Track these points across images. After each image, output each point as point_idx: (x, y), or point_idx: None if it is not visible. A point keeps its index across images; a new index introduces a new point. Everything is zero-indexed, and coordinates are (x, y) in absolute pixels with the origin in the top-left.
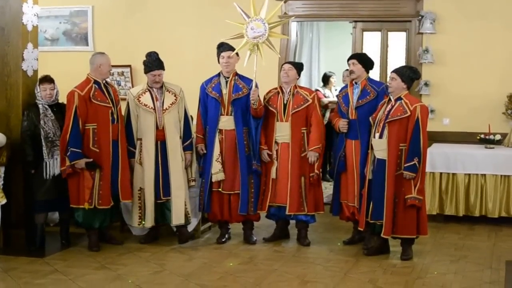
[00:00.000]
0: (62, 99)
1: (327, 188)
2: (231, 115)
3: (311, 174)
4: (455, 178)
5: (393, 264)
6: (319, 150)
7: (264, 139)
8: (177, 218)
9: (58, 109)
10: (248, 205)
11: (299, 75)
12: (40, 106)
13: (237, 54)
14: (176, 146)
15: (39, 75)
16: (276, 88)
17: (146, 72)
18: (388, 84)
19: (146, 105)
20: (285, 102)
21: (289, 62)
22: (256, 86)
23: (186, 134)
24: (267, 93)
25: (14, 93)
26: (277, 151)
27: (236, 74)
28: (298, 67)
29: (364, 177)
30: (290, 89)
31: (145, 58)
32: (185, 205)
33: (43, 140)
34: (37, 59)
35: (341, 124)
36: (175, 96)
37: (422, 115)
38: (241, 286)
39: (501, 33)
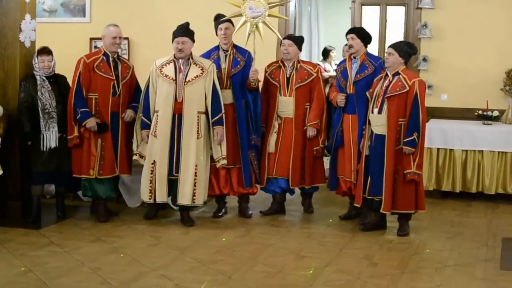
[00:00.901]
0: (59, 70)
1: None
2: (229, 88)
3: (315, 148)
4: (452, 154)
5: (389, 240)
6: (317, 126)
7: (265, 115)
8: (181, 197)
9: (54, 80)
10: (251, 179)
11: (300, 49)
12: (37, 77)
13: (232, 24)
14: (193, 121)
15: (37, 47)
16: (277, 62)
17: (172, 40)
18: (385, 59)
19: (167, 75)
20: (288, 76)
21: (289, 37)
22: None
23: (215, 108)
24: (269, 66)
25: (11, 64)
26: (279, 125)
27: (234, 46)
28: (298, 41)
29: (359, 153)
30: (294, 63)
31: None
32: (194, 186)
33: (40, 112)
34: (34, 30)
35: (339, 99)
36: (202, 69)
37: (420, 90)
38: (237, 260)
39: (500, 9)
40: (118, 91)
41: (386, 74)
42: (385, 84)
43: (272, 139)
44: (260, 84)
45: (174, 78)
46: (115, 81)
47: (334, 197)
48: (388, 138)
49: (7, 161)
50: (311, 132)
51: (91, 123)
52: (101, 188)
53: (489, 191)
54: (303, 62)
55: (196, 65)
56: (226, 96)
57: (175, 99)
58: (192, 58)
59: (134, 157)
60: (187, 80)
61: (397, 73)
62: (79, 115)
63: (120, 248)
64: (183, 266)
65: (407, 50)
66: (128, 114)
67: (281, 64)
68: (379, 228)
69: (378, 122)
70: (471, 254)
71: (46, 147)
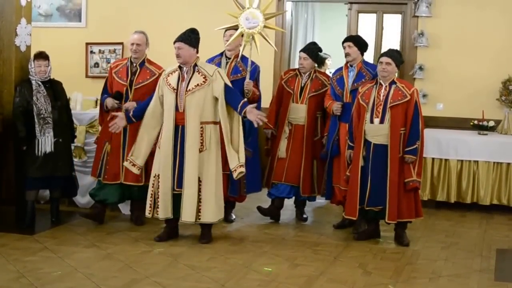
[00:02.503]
0: (54, 75)
1: None
2: None
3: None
4: (447, 164)
5: (383, 249)
6: None
7: (274, 118)
8: (184, 214)
9: (50, 85)
10: (238, 187)
11: (315, 61)
12: (33, 82)
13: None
14: (195, 133)
15: (32, 51)
16: (294, 70)
17: None
18: (383, 69)
19: (170, 84)
20: (302, 84)
21: (304, 50)
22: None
23: (235, 100)
24: (285, 73)
25: (6, 69)
26: (290, 131)
27: (241, 57)
28: (314, 54)
29: (348, 162)
30: (310, 73)
31: None
32: (199, 202)
33: (35, 117)
34: (30, 34)
35: (335, 107)
36: (204, 78)
37: (418, 98)
38: (231, 267)
39: (496, 18)
40: (130, 96)
41: (380, 84)
42: (382, 94)
43: (283, 144)
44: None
45: (175, 87)
46: (128, 86)
47: (329, 205)
48: (391, 148)
49: (1, 166)
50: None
51: (110, 103)
52: (103, 193)
53: (484, 201)
54: (319, 72)
55: (199, 73)
56: None
57: (176, 109)
58: (197, 66)
59: (125, 163)
60: (188, 89)
61: (393, 82)
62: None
63: (113, 254)
64: (177, 273)
65: (399, 59)
66: (131, 103)
67: (298, 73)
68: (373, 237)
69: (379, 132)
70: (466, 264)
71: (41, 152)
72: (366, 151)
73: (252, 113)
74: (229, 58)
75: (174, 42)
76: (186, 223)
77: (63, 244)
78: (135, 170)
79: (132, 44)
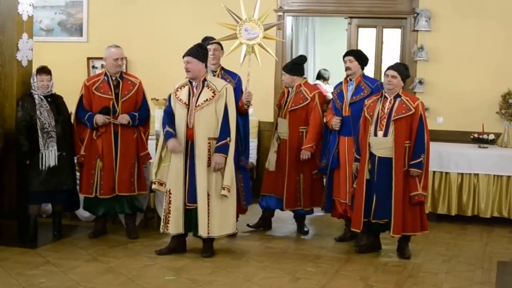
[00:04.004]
0: (56, 89)
1: None
2: None
3: (314, 172)
4: (448, 177)
5: (385, 262)
6: (311, 149)
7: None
8: (200, 228)
9: (52, 100)
10: (238, 200)
11: (300, 74)
12: (35, 96)
13: (221, 47)
14: (204, 148)
15: (34, 66)
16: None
17: None
18: (388, 82)
19: (181, 99)
20: (287, 99)
21: (284, 68)
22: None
23: (221, 133)
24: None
25: (8, 83)
26: (278, 145)
27: (222, 68)
28: (294, 69)
29: (355, 175)
30: (295, 87)
31: None
32: (208, 216)
33: (39, 131)
34: (32, 49)
35: (334, 122)
36: (213, 92)
37: (423, 111)
38: (232, 281)
39: (496, 32)
40: (118, 109)
41: (385, 97)
42: (386, 107)
43: (273, 158)
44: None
45: (187, 102)
46: (114, 100)
47: (330, 219)
48: (396, 161)
49: (3, 180)
50: (304, 155)
51: (100, 120)
52: (99, 206)
53: (485, 214)
54: (305, 85)
55: (209, 88)
56: None
57: (187, 125)
58: (206, 80)
59: (154, 186)
60: (197, 104)
61: (398, 95)
62: (87, 123)
63: (115, 268)
64: (178, 287)
65: (405, 72)
66: (123, 116)
67: (290, 88)
68: (374, 250)
69: (383, 145)
70: (467, 277)
71: (45, 165)
72: (371, 164)
73: (213, 162)
74: (215, 72)
75: (183, 57)
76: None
77: (65, 258)
78: (163, 189)
79: (117, 59)
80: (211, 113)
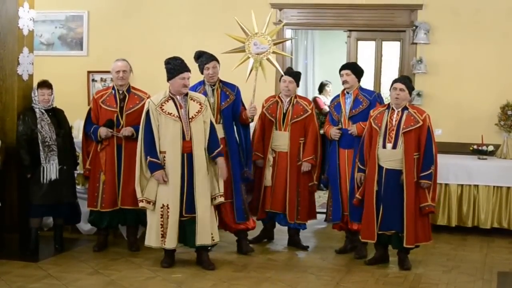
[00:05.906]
0: (56, 103)
1: (321, 197)
2: (220, 123)
3: (310, 184)
4: (447, 188)
5: (385, 273)
6: (312, 161)
7: (262, 147)
8: (201, 237)
9: (53, 114)
10: (243, 213)
11: (298, 85)
12: (36, 110)
13: (217, 62)
14: (202, 158)
15: (35, 80)
16: (274, 97)
17: (172, 77)
18: (396, 95)
19: (171, 113)
20: (284, 111)
21: (289, 74)
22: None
23: (213, 142)
24: (266, 101)
25: (9, 97)
26: (274, 158)
27: (221, 81)
28: (298, 78)
29: (353, 187)
30: (291, 99)
31: (166, 65)
32: (211, 223)
33: (40, 145)
34: (32, 63)
35: (333, 132)
36: (200, 104)
37: (430, 124)
38: None
39: (494, 44)
40: (122, 122)
41: (392, 109)
42: (394, 119)
43: (268, 173)
44: (256, 118)
45: (178, 115)
46: (118, 113)
47: (330, 231)
48: (407, 173)
49: (4, 193)
50: (305, 167)
51: (103, 132)
52: (103, 218)
53: (485, 225)
54: (299, 97)
55: (194, 101)
56: (218, 131)
57: (183, 138)
58: (188, 94)
59: (141, 204)
60: (190, 117)
61: (405, 108)
62: (92, 136)
63: (117, 281)
64: None
65: (411, 85)
66: (127, 128)
67: (279, 100)
68: (383, 262)
69: (392, 157)
70: None
71: (46, 179)
72: (378, 175)
73: (221, 166)
74: (213, 85)
75: (182, 72)
76: (183, 250)
77: (67, 271)
78: (151, 208)
79: (118, 71)
80: (202, 124)
